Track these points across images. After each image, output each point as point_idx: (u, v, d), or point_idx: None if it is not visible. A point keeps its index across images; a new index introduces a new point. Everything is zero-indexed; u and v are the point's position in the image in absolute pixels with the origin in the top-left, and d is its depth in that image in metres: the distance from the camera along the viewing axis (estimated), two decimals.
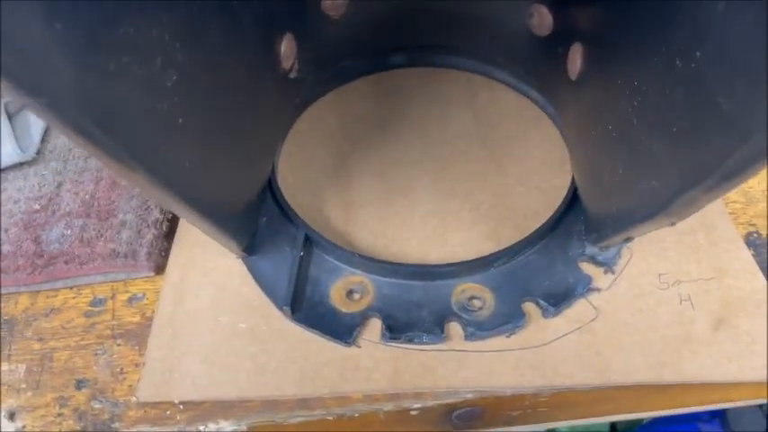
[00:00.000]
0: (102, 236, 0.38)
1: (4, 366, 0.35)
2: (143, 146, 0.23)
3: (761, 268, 0.36)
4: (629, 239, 0.35)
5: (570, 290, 0.35)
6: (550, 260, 0.36)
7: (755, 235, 0.37)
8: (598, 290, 0.35)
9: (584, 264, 0.36)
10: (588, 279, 0.35)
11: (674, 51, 0.22)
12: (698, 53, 0.20)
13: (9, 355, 0.35)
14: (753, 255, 0.36)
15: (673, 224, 0.27)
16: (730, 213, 0.38)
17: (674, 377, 0.32)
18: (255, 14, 0.32)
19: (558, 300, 0.34)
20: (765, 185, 0.39)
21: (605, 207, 0.32)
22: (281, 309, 0.35)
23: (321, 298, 0.35)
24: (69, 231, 0.38)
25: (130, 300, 0.37)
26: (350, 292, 0.36)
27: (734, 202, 0.39)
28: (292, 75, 0.40)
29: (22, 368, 0.34)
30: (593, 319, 0.34)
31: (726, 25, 0.19)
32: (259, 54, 0.34)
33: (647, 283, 0.35)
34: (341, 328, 0.34)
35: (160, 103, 0.24)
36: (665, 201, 0.25)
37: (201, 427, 0.32)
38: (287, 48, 0.38)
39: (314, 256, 0.37)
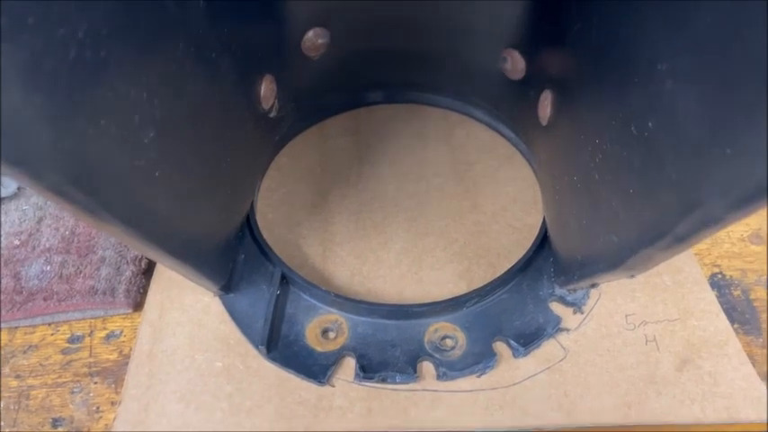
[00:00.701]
0: (81, 272, 0.38)
1: None
2: (118, 200, 0.24)
3: (724, 309, 0.37)
4: (594, 285, 0.36)
5: (540, 330, 0.36)
6: (521, 300, 0.37)
7: (719, 276, 0.39)
8: (567, 330, 0.36)
9: (554, 304, 0.37)
10: (558, 319, 0.36)
11: (629, 117, 0.23)
12: (650, 123, 0.22)
13: None
14: (717, 296, 0.37)
15: (632, 276, 0.28)
16: (695, 254, 0.40)
17: (640, 418, 0.33)
18: (235, 60, 0.33)
19: (528, 340, 0.35)
20: (730, 227, 0.41)
21: (571, 253, 0.33)
22: (256, 347, 0.35)
23: (297, 336, 0.36)
24: (49, 267, 0.39)
25: (108, 337, 0.37)
26: (325, 331, 0.36)
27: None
28: (272, 114, 0.41)
29: None
30: (561, 360, 0.35)
31: (672, 100, 0.20)
32: (238, 97, 0.35)
33: (614, 323, 0.36)
34: (315, 368, 0.35)
35: (137, 159, 0.24)
36: (623, 256, 0.25)
37: None
38: (267, 89, 0.39)
39: (290, 294, 0.38)
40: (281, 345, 0.36)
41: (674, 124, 0.20)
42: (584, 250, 0.31)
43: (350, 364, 0.35)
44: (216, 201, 0.34)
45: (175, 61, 0.26)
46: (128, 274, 0.38)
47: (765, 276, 0.38)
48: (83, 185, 0.22)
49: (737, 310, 0.37)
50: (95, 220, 0.24)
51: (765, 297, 0.37)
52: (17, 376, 0.36)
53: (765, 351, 0.35)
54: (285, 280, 0.37)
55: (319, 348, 0.36)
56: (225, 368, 0.35)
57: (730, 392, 0.33)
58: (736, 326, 0.36)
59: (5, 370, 0.36)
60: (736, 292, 0.38)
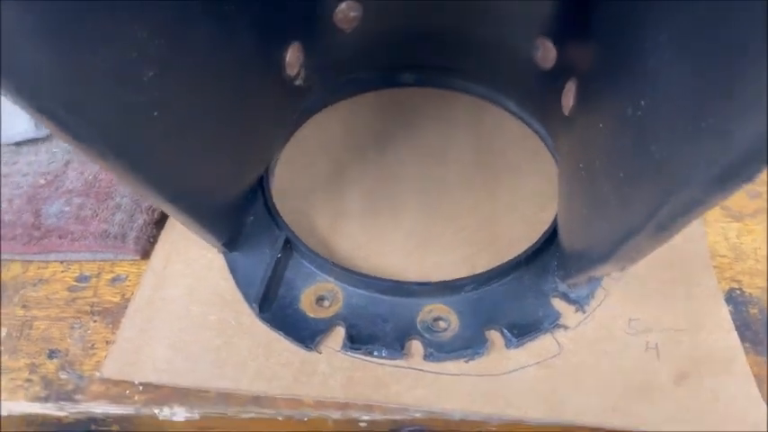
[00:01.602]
0: (97, 216, 0.40)
1: None
2: (113, 133, 0.25)
3: (737, 326, 0.35)
4: (592, 279, 0.34)
5: (537, 323, 0.35)
6: (522, 292, 0.36)
7: (738, 292, 0.37)
8: (565, 327, 0.35)
9: (556, 300, 0.36)
10: (557, 315, 0.35)
11: (629, 99, 0.22)
12: (643, 102, 0.21)
13: None
14: (731, 311, 0.35)
15: (623, 268, 0.27)
16: (716, 267, 0.38)
17: (626, 424, 0.31)
18: (254, 21, 0.33)
19: (522, 331, 0.34)
20: (758, 243, 0.39)
21: (572, 244, 0.32)
22: (250, 305, 0.36)
23: (292, 301, 0.36)
24: (68, 208, 0.40)
25: (114, 280, 0.38)
26: (320, 299, 0.36)
27: (722, 256, 0.38)
28: (298, 82, 0.41)
29: (3, 331, 0.36)
30: (554, 356, 0.34)
31: (668, 73, 0.19)
32: (257, 59, 0.35)
33: (616, 326, 0.35)
34: (305, 333, 0.35)
35: (135, 96, 0.25)
36: (613, 245, 0.25)
37: (156, 410, 0.33)
38: (292, 55, 0.39)
39: (291, 260, 0.38)
40: (275, 306, 0.36)
41: (663, 100, 0.20)
42: (582, 241, 0.30)
43: (340, 333, 0.35)
44: (222, 157, 0.34)
45: (184, 8, 0.26)
46: (140, 222, 0.39)
47: None
48: (77, 112, 0.23)
49: (752, 329, 0.35)
50: (90, 151, 0.25)
51: None
52: (24, 306, 0.37)
53: None
54: (289, 245, 0.38)
55: (312, 314, 0.36)
56: (217, 322, 0.36)
57: (729, 411, 0.32)
58: (747, 344, 0.34)
59: (15, 299, 0.38)
60: (754, 311, 0.36)
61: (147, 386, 0.34)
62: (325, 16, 0.41)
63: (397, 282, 0.36)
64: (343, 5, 0.41)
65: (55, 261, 0.39)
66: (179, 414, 0.33)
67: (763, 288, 0.37)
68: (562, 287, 0.36)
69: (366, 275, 0.36)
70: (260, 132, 0.39)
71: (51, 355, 0.35)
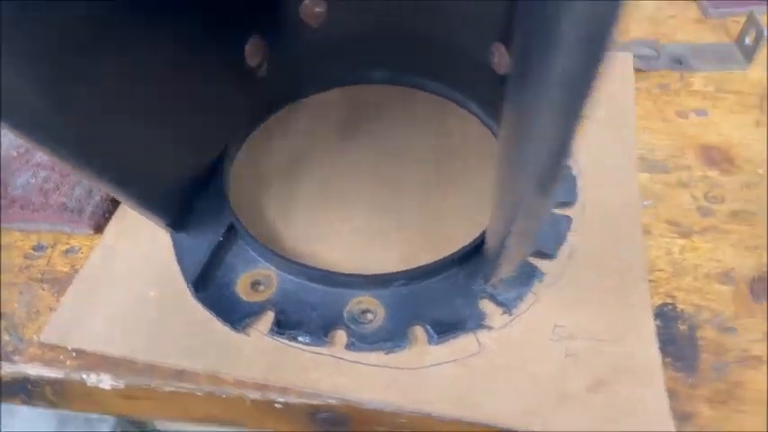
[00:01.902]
0: (58, 189, 0.41)
1: None
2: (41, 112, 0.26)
3: (663, 341, 0.35)
4: (509, 281, 0.35)
5: (460, 322, 0.35)
6: (451, 291, 0.36)
7: (670, 307, 0.36)
8: (489, 328, 0.35)
9: (485, 301, 0.36)
10: (482, 316, 0.35)
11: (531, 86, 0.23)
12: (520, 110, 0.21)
13: None
14: (660, 326, 0.35)
15: (509, 271, 0.27)
16: (653, 281, 0.38)
17: (535, 428, 0.32)
18: (214, 10, 0.34)
19: (444, 329, 0.35)
20: (700, 261, 0.38)
21: (488, 242, 0.33)
22: (187, 285, 0.37)
23: (228, 283, 0.37)
24: (33, 180, 0.42)
25: (67, 251, 0.40)
26: (256, 283, 0.37)
27: (661, 270, 0.38)
28: (261, 73, 0.42)
29: None
30: (473, 355, 0.35)
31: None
32: (213, 48, 0.37)
33: (540, 331, 0.35)
34: (236, 315, 0.36)
35: (65, 71, 0.26)
36: (496, 248, 0.25)
37: (84, 376, 0.35)
38: (253, 47, 0.40)
39: (235, 245, 0.39)
40: (211, 288, 0.37)
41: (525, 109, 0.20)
42: (489, 239, 0.31)
43: (269, 318, 0.36)
44: (166, 139, 0.36)
45: None
46: (97, 198, 0.41)
47: (721, 317, 0.36)
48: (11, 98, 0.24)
49: (677, 344, 0.35)
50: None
51: (713, 338, 0.35)
52: None
53: (690, 390, 0.33)
54: (232, 230, 0.39)
55: (245, 298, 0.37)
56: (156, 298, 0.37)
57: (637, 424, 0.32)
58: (668, 359, 0.34)
59: None
60: (683, 327, 0.36)
61: (80, 353, 0.35)
62: (290, 11, 0.42)
63: (328, 272, 0.37)
64: (307, 0, 0.42)
65: (17, 229, 0.41)
66: (105, 382, 0.35)
67: (696, 305, 0.36)
68: (491, 289, 0.36)
69: (299, 263, 0.37)
70: (212, 119, 0.40)
71: None
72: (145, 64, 0.32)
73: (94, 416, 0.44)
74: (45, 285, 0.39)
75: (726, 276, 0.38)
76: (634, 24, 0.55)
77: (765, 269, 0.38)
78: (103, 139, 0.31)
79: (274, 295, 0.37)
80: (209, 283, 0.37)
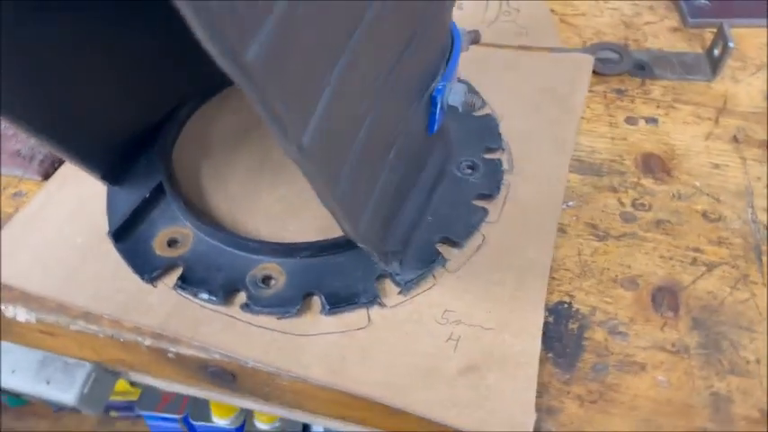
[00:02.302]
0: (15, 137, 0.44)
1: None
2: None
3: (549, 337, 0.35)
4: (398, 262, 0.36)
5: (354, 296, 0.36)
6: (353, 266, 0.38)
7: (566, 305, 0.37)
8: (382, 305, 0.37)
9: (386, 280, 0.37)
10: (375, 292, 0.37)
11: None
12: None
13: None
14: (551, 322, 0.36)
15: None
16: (556, 279, 0.38)
17: (397, 402, 0.33)
18: None
19: (337, 301, 0.36)
20: (608, 264, 0.38)
21: None
22: (108, 235, 0.39)
23: (147, 238, 0.40)
24: None
25: (15, 194, 0.43)
26: (173, 241, 0.39)
27: (567, 269, 0.38)
28: None
29: None
30: (360, 328, 0.36)
31: None
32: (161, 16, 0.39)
33: (430, 313, 0.36)
34: (147, 267, 0.38)
35: None
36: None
37: (3, 307, 0.37)
38: None
39: (162, 202, 0.41)
40: (131, 240, 0.39)
41: None
42: None
43: (177, 273, 0.38)
44: (103, 97, 0.38)
45: None
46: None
47: (615, 321, 0.36)
48: None
49: (562, 342, 0.35)
50: None
51: (601, 340, 0.35)
52: None
53: (563, 387, 0.33)
54: (161, 190, 0.41)
55: (159, 252, 0.39)
56: (82, 245, 0.40)
57: (495, 410, 0.32)
58: (550, 355, 0.35)
59: None
60: (573, 326, 0.36)
61: (5, 286, 0.38)
62: None
63: (238, 236, 0.39)
64: None
65: None
66: (20, 315, 0.37)
67: (592, 307, 0.37)
68: (392, 268, 0.37)
69: (212, 225, 0.39)
70: (157, 83, 0.42)
71: None
72: (81, 24, 0.34)
73: (72, 361, 0.47)
74: None
75: (631, 282, 0.38)
76: (607, 27, 0.54)
77: (674, 280, 0.37)
78: (34, 95, 0.33)
79: (187, 253, 0.39)
80: (129, 236, 0.39)
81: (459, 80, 0.48)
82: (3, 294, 0.38)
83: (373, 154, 0.29)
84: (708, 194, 0.42)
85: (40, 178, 0.44)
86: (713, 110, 0.47)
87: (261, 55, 0.15)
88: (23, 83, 0.33)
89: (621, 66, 0.50)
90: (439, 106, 0.35)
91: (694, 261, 0.38)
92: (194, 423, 0.98)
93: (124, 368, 0.40)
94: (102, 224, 0.41)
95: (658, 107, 0.47)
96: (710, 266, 0.38)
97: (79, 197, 0.42)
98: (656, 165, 0.44)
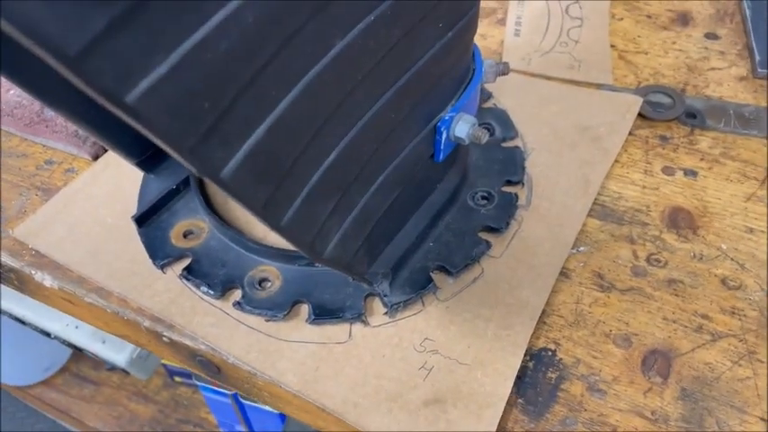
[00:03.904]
0: None
1: None
2: None
3: (524, 382, 0.35)
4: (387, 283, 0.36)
5: (339, 310, 0.37)
6: (345, 281, 0.39)
7: (549, 353, 0.36)
8: (365, 323, 0.37)
9: (374, 298, 0.38)
10: (361, 310, 0.37)
11: None
12: None
13: None
14: (529, 368, 0.35)
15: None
16: (546, 325, 0.37)
17: (356, 422, 0.33)
18: None
19: (323, 313, 0.37)
20: (605, 318, 0.37)
21: None
22: (132, 219, 0.42)
23: (166, 226, 0.42)
24: None
25: (68, 170, 0.48)
26: (189, 232, 0.42)
27: (560, 316, 0.37)
28: None
29: None
30: (340, 342, 0.37)
31: None
32: None
33: (408, 339, 0.37)
34: (161, 254, 0.41)
35: None
36: None
37: (33, 272, 0.41)
38: None
39: (187, 195, 0.44)
40: (152, 226, 0.42)
41: None
42: None
43: (185, 263, 0.41)
44: None
45: None
46: None
47: (597, 377, 0.35)
48: None
49: (536, 389, 0.34)
50: None
51: (577, 394, 0.34)
52: (2, 169, 0.48)
53: None
54: (188, 182, 0.44)
55: (174, 242, 0.42)
56: (111, 225, 0.43)
57: None
58: (521, 401, 0.34)
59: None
60: (551, 375, 0.35)
61: (37, 254, 0.42)
62: None
63: (243, 237, 0.40)
64: None
65: (40, 144, 0.50)
66: (47, 281, 0.41)
67: (576, 359, 0.36)
68: (382, 288, 0.38)
69: (222, 223, 0.41)
70: None
71: None
72: None
73: None
74: (39, 193, 0.46)
75: (624, 340, 0.36)
76: (668, 69, 0.52)
77: (672, 345, 0.36)
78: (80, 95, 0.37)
79: (199, 246, 0.41)
80: (151, 222, 0.42)
81: (496, 108, 0.48)
82: (35, 260, 0.42)
83: (349, 178, 0.29)
84: (732, 259, 0.39)
85: (90, 158, 0.48)
86: (762, 170, 0.44)
87: (148, 96, 0.16)
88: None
89: (672, 112, 0.47)
90: (444, 136, 0.36)
91: (699, 328, 0.36)
92: (243, 402, 1.03)
93: (130, 342, 0.43)
94: (133, 208, 0.44)
95: (702, 159, 0.45)
96: (716, 336, 0.36)
97: (118, 180, 0.46)
98: (683, 220, 0.41)
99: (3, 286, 0.47)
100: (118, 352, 0.84)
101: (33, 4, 0.13)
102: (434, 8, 0.29)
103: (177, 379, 1.17)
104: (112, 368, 0.95)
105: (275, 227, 0.25)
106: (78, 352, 0.90)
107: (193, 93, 0.18)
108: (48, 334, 0.86)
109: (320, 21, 0.23)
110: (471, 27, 0.35)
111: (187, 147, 0.19)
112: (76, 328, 0.84)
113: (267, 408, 1.02)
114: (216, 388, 1.04)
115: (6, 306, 0.87)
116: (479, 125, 0.36)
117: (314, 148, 0.25)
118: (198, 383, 1.04)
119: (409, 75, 0.30)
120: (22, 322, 0.88)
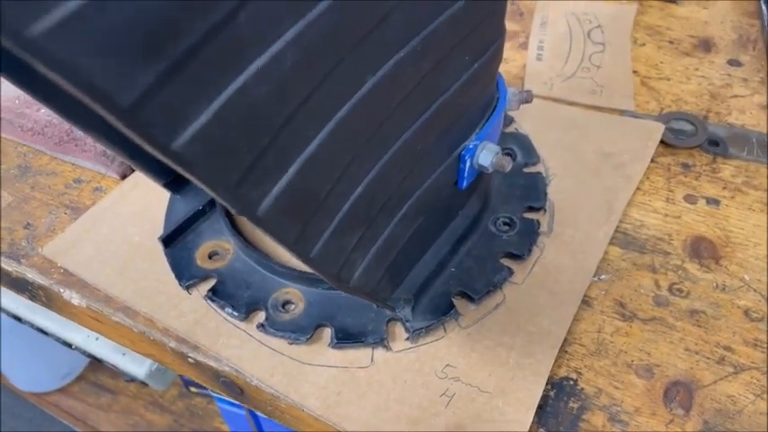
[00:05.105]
0: None
1: (2, 192, 0.49)
2: None
3: (545, 412, 0.35)
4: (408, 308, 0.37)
5: (361, 335, 0.38)
6: (367, 305, 0.39)
7: (571, 383, 0.36)
8: (387, 348, 0.38)
9: (395, 323, 0.39)
10: (383, 335, 0.38)
11: None
12: None
13: (10, 187, 0.49)
14: (552, 396, 0.35)
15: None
16: (568, 354, 0.37)
17: None
18: None
19: (346, 337, 0.38)
20: (626, 348, 0.37)
21: None
22: (159, 240, 0.43)
23: (192, 246, 0.43)
24: None
25: (96, 189, 0.49)
26: (214, 253, 0.43)
27: (582, 345, 0.38)
28: None
29: (8, 199, 0.48)
30: (362, 367, 0.37)
31: None
32: None
33: (430, 365, 0.37)
34: (186, 274, 0.41)
35: None
36: None
37: (61, 290, 0.42)
38: None
39: (211, 217, 0.45)
40: (178, 246, 0.43)
41: None
42: None
43: (210, 284, 0.41)
44: None
45: None
46: None
47: (618, 408, 0.35)
48: None
49: (557, 419, 0.35)
50: None
51: (599, 425, 0.34)
52: (32, 187, 0.49)
53: None
54: (214, 204, 0.45)
55: (200, 263, 0.42)
56: (138, 244, 0.44)
57: None
58: (542, 430, 0.34)
59: (30, 180, 0.49)
60: (573, 405, 0.35)
61: (65, 271, 0.43)
62: None
63: (268, 259, 0.41)
64: None
65: (70, 162, 0.51)
66: (75, 299, 0.42)
67: (598, 389, 0.36)
68: (402, 313, 0.38)
69: (247, 245, 0.42)
70: None
71: (27, 226, 0.46)
72: None
73: None
74: (68, 211, 0.47)
75: (646, 371, 0.36)
76: (690, 96, 0.52)
77: (694, 376, 0.36)
78: None
79: (224, 267, 0.42)
80: (177, 242, 0.43)
81: (518, 133, 0.49)
82: (63, 278, 0.43)
83: (375, 209, 0.30)
84: (756, 290, 0.39)
85: (118, 177, 0.49)
86: None
87: (193, 142, 0.17)
88: None
89: (694, 139, 0.47)
90: (468, 165, 0.36)
91: (722, 360, 0.36)
92: (258, 414, 1.03)
93: (155, 361, 0.43)
94: (160, 228, 0.45)
95: (725, 188, 0.45)
96: (738, 369, 0.36)
97: (146, 200, 0.47)
98: (705, 250, 0.41)
99: (21, 296, 0.48)
100: (137, 365, 0.85)
101: (88, 59, 0.14)
102: (462, 41, 0.30)
103: (193, 389, 1.18)
104: (131, 380, 0.96)
105: (305, 259, 0.26)
106: (97, 362, 0.91)
107: (233, 137, 0.19)
108: (69, 345, 0.88)
109: (352, 60, 0.24)
110: (497, 57, 0.35)
111: (226, 188, 0.19)
112: (97, 339, 0.85)
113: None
114: (231, 400, 1.05)
115: (28, 316, 0.88)
116: (501, 150, 0.36)
117: (343, 182, 0.26)
118: (213, 394, 1.04)
119: (436, 106, 0.31)
120: (44, 332, 0.89)
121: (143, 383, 0.88)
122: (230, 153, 0.19)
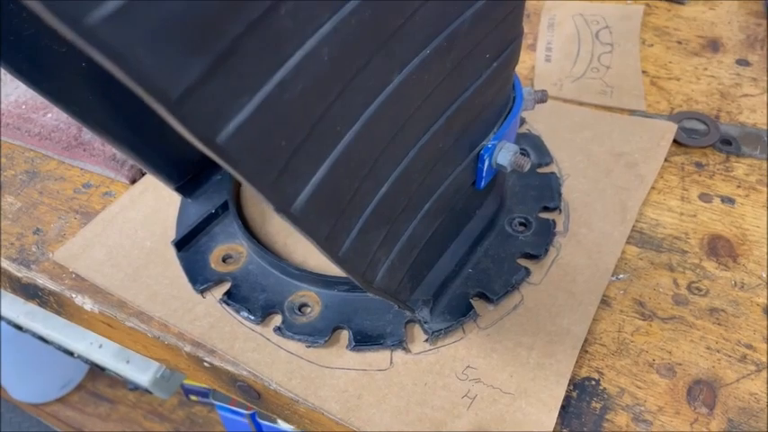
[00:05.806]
0: None
1: (10, 198, 0.48)
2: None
3: (568, 412, 0.34)
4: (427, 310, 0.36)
5: (380, 337, 0.37)
6: (385, 307, 0.39)
7: (593, 383, 0.36)
8: (407, 350, 0.37)
9: (413, 325, 0.38)
10: (401, 336, 0.37)
11: None
12: None
13: (18, 193, 0.48)
14: (574, 397, 0.35)
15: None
16: (589, 354, 0.37)
17: None
18: None
19: (365, 340, 0.37)
20: (647, 347, 0.37)
21: None
22: (172, 244, 0.43)
23: (205, 249, 0.43)
24: None
25: (105, 194, 0.48)
26: (227, 257, 0.42)
27: (603, 345, 0.37)
28: None
29: (17, 205, 0.47)
30: (381, 369, 0.37)
31: None
32: None
33: (450, 366, 0.36)
34: (201, 278, 0.41)
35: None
36: None
37: (73, 295, 0.42)
38: None
39: (225, 219, 0.44)
40: (191, 250, 0.43)
41: None
42: None
43: (225, 288, 0.41)
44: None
45: None
46: None
47: (641, 407, 0.34)
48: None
49: (581, 420, 0.34)
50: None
51: (623, 424, 0.34)
52: (40, 192, 0.48)
53: None
54: (227, 207, 0.44)
55: (213, 266, 0.42)
56: (150, 248, 0.44)
57: None
58: (565, 431, 0.34)
59: (38, 185, 0.49)
60: (596, 405, 0.35)
61: (78, 277, 0.42)
62: None
63: (283, 261, 0.41)
64: None
65: (78, 167, 0.50)
66: (87, 304, 0.41)
67: (621, 389, 0.35)
68: (421, 315, 0.38)
69: (262, 248, 0.41)
70: None
71: (36, 231, 0.46)
72: None
73: None
74: (78, 216, 0.47)
75: (668, 370, 0.36)
76: (700, 96, 0.52)
77: (716, 375, 0.35)
78: (118, 113, 0.37)
79: (238, 270, 0.41)
80: (190, 246, 0.43)
81: (531, 133, 0.48)
82: (75, 284, 0.42)
83: (397, 210, 0.29)
84: None
85: (127, 182, 0.48)
86: None
87: (236, 136, 0.16)
88: (107, 101, 0.37)
89: (707, 138, 0.47)
90: (487, 164, 0.36)
91: (743, 358, 0.36)
92: (261, 422, 1.02)
93: (168, 367, 0.43)
94: (171, 232, 0.44)
95: (739, 187, 0.45)
96: (760, 367, 0.36)
97: (157, 204, 0.46)
98: (722, 248, 0.41)
99: (21, 303, 0.47)
100: (142, 372, 0.84)
101: (143, 49, 0.14)
102: (484, 39, 0.30)
103: (193, 398, 1.17)
104: (135, 388, 0.95)
105: (334, 258, 0.25)
106: (99, 370, 0.90)
107: (273, 132, 0.19)
108: (71, 353, 0.87)
109: (381, 57, 0.23)
110: (515, 56, 0.35)
111: (267, 183, 0.19)
112: (100, 347, 0.84)
113: (284, 428, 1.01)
114: (232, 407, 1.04)
115: (29, 325, 0.87)
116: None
117: (370, 180, 0.26)
118: (214, 402, 1.04)
119: (457, 104, 0.31)
120: (45, 341, 0.88)
121: (146, 391, 0.87)
122: (270, 148, 0.18)
